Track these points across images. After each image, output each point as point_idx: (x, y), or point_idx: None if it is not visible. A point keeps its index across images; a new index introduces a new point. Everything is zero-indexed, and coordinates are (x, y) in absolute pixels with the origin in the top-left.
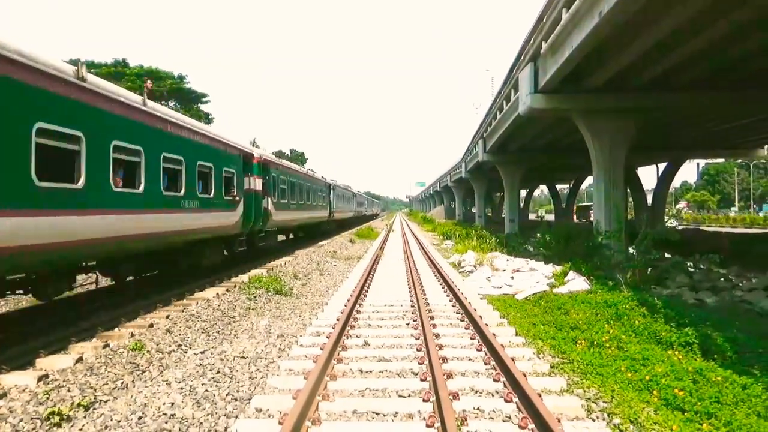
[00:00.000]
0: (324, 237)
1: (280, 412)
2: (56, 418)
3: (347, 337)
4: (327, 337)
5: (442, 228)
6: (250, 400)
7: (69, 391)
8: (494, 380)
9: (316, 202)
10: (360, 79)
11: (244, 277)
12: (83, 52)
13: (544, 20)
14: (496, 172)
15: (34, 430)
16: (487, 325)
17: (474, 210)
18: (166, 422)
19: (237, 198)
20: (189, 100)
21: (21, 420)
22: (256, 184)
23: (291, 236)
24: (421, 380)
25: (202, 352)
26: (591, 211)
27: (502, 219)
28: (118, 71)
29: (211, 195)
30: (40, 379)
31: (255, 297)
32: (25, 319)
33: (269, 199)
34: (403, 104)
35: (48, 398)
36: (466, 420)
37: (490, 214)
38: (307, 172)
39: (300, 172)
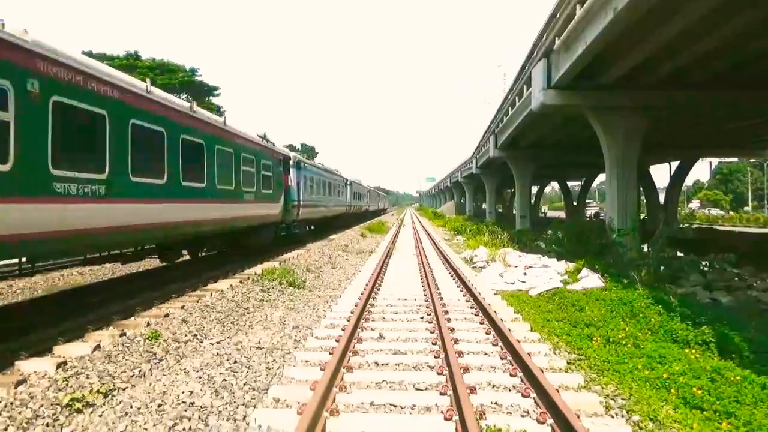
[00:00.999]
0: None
1: (298, 403)
2: (77, 405)
3: (362, 330)
4: (342, 330)
5: (452, 223)
6: (267, 390)
7: (88, 378)
8: (511, 375)
9: (247, 188)
10: (371, 74)
11: (257, 269)
12: (96, 44)
13: (558, 16)
14: (507, 168)
15: (54, 416)
16: (501, 320)
17: (484, 206)
18: (185, 410)
19: None
20: (200, 93)
21: (41, 406)
22: None
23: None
24: (438, 374)
25: (218, 342)
26: (587, 208)
27: (512, 215)
28: (130, 64)
29: None
30: (58, 366)
31: (268, 289)
32: (36, 308)
33: None
34: (414, 99)
35: (67, 385)
36: (484, 414)
37: (500, 210)
38: (216, 122)
39: (187, 113)
